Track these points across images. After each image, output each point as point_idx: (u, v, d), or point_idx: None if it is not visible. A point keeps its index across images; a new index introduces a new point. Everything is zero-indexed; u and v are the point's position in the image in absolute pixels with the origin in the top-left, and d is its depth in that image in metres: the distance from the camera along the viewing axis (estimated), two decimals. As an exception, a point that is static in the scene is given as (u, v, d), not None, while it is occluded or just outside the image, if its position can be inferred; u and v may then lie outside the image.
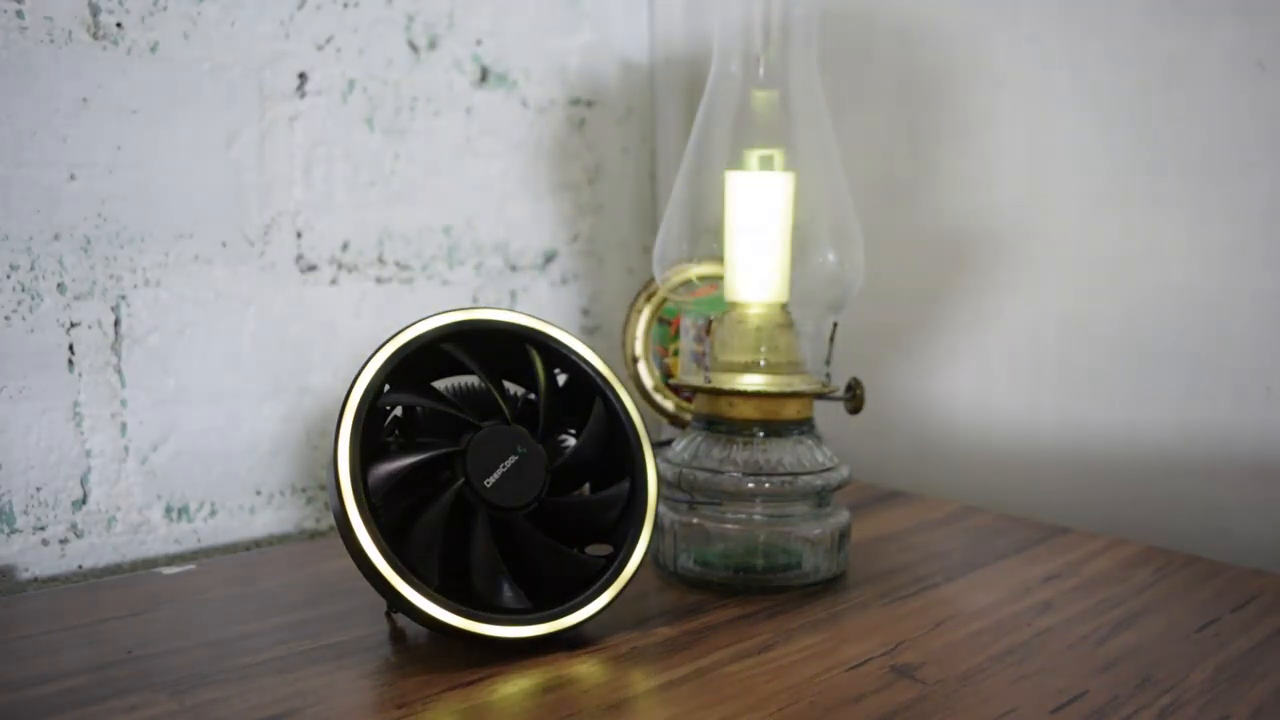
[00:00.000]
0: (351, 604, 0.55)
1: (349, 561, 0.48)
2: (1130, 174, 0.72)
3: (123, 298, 0.67)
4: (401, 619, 0.53)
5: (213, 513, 0.72)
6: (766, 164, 0.61)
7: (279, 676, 0.47)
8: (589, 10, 0.91)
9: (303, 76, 0.74)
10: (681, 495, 0.61)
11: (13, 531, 0.64)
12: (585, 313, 0.93)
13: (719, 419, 0.60)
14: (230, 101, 0.71)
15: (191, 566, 0.62)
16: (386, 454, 0.49)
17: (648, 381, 0.78)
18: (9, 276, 0.63)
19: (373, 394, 0.49)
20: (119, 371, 0.67)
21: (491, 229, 0.86)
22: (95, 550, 0.67)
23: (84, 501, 0.66)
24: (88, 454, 0.66)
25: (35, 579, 0.65)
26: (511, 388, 0.54)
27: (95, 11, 0.65)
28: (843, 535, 0.61)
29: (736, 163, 0.62)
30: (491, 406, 0.51)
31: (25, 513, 0.64)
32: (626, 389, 0.55)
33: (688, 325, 0.74)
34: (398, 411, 0.52)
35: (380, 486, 0.48)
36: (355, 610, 0.54)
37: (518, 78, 0.86)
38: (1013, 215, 0.78)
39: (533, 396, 0.53)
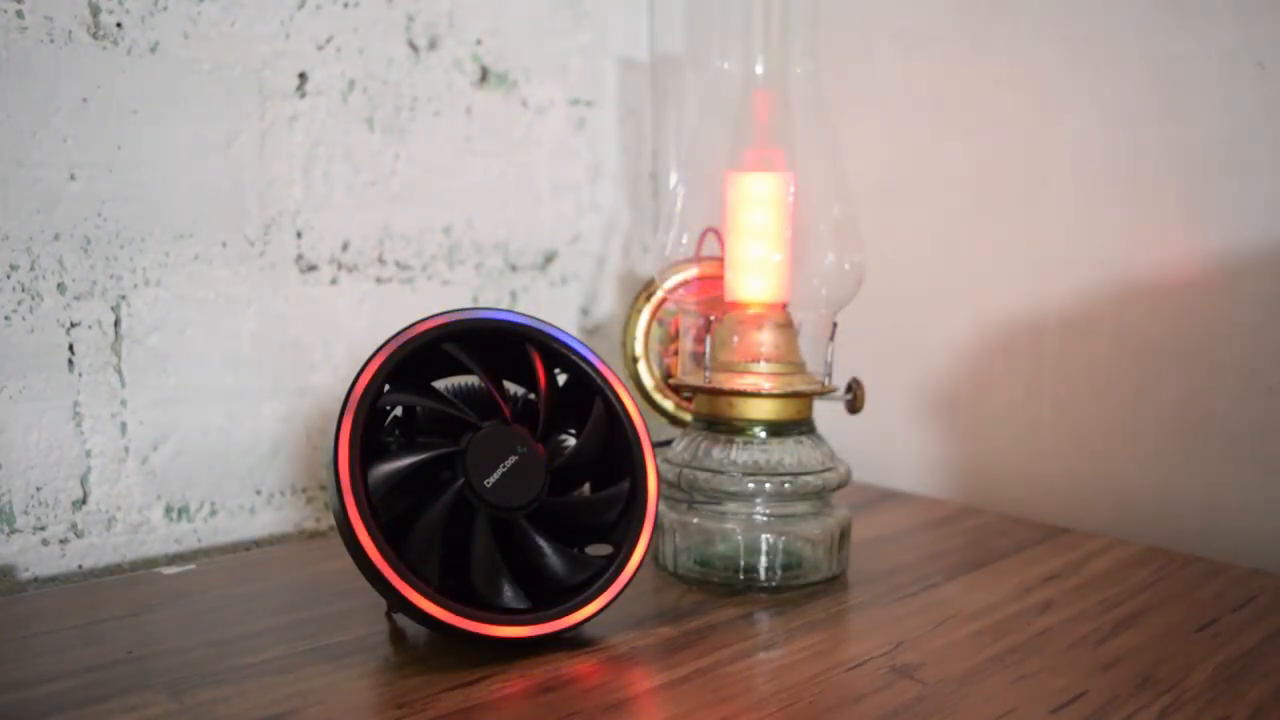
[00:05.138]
0: (351, 604, 0.55)
1: (349, 561, 0.48)
2: (1130, 174, 0.72)
3: (123, 298, 0.67)
4: (401, 619, 0.53)
5: (213, 513, 0.72)
6: (766, 164, 0.61)
7: (279, 676, 0.47)
8: (589, 10, 0.91)
9: (303, 76, 0.74)
10: (681, 495, 0.61)
11: (13, 531, 0.64)
12: (585, 313, 0.93)
13: (719, 419, 0.60)
14: (230, 101, 0.71)
15: (191, 566, 0.62)
16: (386, 454, 0.49)
17: (648, 381, 0.78)
18: (9, 276, 0.63)
19: (373, 394, 0.49)
20: (119, 371, 0.67)
21: (491, 229, 0.86)
22: (95, 550, 0.67)
23: (84, 501, 0.66)
24: (88, 454, 0.66)
25: (35, 579, 0.65)
26: (511, 388, 0.54)
27: (95, 11, 0.65)
28: (843, 535, 0.61)
29: (736, 163, 0.62)
30: (491, 406, 0.51)
31: (25, 513, 0.64)
32: (626, 389, 0.55)
33: (688, 325, 0.74)
34: (398, 411, 0.52)
35: (380, 486, 0.48)
36: (355, 610, 0.54)
37: (518, 78, 0.86)
38: (1012, 215, 0.78)
39: (533, 396, 0.53)
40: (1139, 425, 0.72)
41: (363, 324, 0.78)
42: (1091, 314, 0.74)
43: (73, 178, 0.65)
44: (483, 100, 0.84)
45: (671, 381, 0.73)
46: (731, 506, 0.60)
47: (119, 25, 0.66)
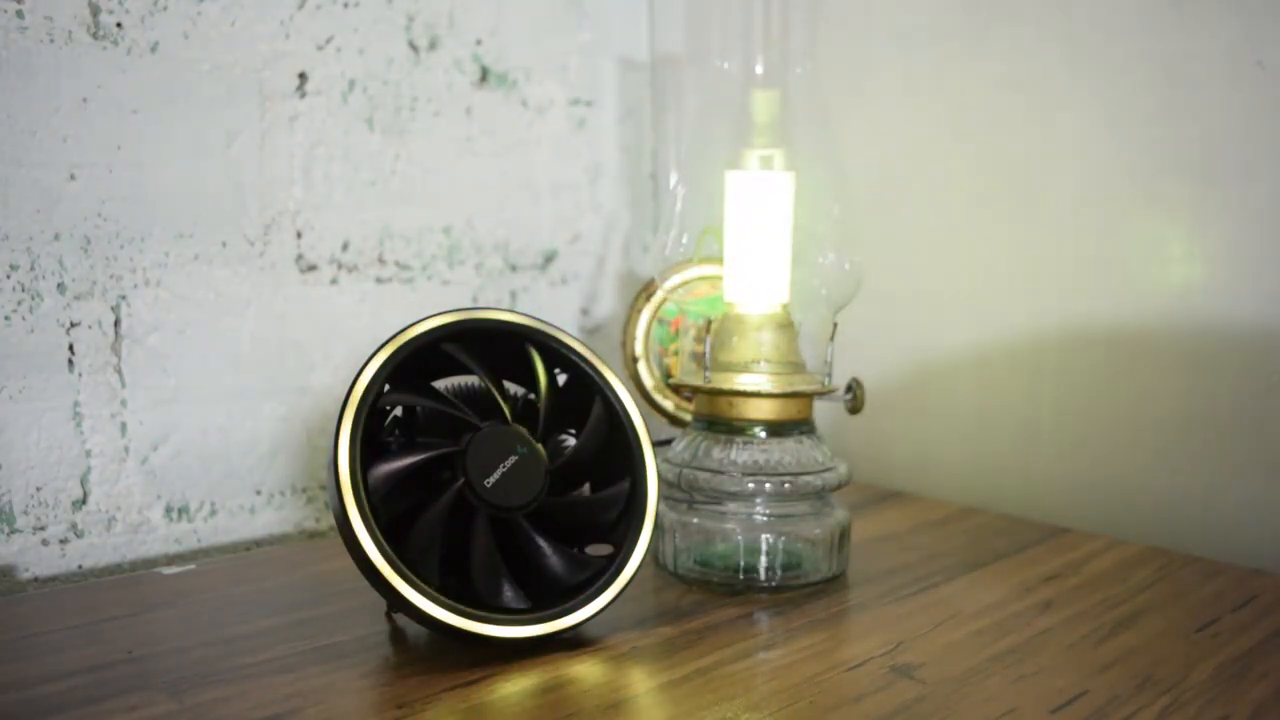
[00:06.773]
0: (351, 604, 0.55)
1: (349, 561, 0.48)
2: (1130, 174, 0.72)
3: (123, 298, 0.67)
4: (401, 619, 0.53)
5: (213, 513, 0.72)
6: (766, 164, 0.61)
7: (279, 676, 0.47)
8: (589, 10, 0.91)
9: (303, 76, 0.74)
10: (681, 495, 0.61)
11: (13, 531, 0.64)
12: (585, 313, 0.93)
13: (719, 419, 0.60)
14: (230, 101, 0.71)
15: (191, 566, 0.62)
16: (386, 454, 0.49)
17: (648, 381, 0.78)
18: (9, 276, 0.63)
19: (373, 394, 0.49)
20: (119, 371, 0.67)
21: (491, 229, 0.86)
22: (95, 550, 0.67)
23: (84, 501, 0.66)
24: (88, 454, 0.66)
25: (35, 579, 0.65)
26: (511, 388, 0.54)
27: (95, 11, 0.65)
28: (843, 535, 0.61)
29: (736, 163, 0.62)
30: (491, 406, 0.51)
31: (25, 513, 0.64)
32: (626, 389, 0.55)
33: (688, 325, 0.74)
34: (398, 411, 0.52)
35: (380, 486, 0.48)
36: (355, 610, 0.54)
37: (518, 78, 0.86)
38: (1012, 215, 0.78)
39: (533, 396, 0.53)
40: (1139, 425, 0.72)
41: (363, 324, 0.78)
42: (1091, 314, 0.74)
43: (73, 178, 0.65)
44: (483, 100, 0.84)
45: (671, 381, 0.73)
46: (731, 506, 0.60)
47: (119, 25, 0.66)
